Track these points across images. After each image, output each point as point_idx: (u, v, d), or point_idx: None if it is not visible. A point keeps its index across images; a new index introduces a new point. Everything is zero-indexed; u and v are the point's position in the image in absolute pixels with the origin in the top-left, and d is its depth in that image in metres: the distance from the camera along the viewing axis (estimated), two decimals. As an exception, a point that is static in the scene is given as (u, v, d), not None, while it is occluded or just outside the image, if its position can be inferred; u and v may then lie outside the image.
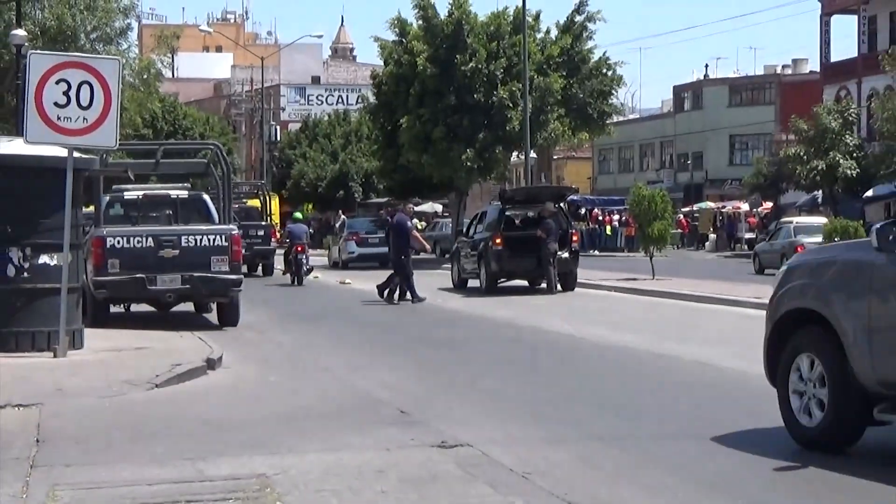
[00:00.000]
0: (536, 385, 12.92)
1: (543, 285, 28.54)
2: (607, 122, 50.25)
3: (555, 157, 77.73)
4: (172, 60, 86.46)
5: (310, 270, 34.14)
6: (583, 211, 62.30)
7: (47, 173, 14.96)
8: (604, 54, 48.87)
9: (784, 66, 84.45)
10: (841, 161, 52.60)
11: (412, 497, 7.64)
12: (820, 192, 56.55)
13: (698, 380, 13.08)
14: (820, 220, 40.55)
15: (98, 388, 12.19)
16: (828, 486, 7.97)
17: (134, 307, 22.41)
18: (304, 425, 10.30)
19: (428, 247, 30.24)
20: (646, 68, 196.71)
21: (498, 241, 28.12)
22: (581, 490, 7.78)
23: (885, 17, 61.38)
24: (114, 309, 20.72)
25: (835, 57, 65.99)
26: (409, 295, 25.76)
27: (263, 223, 38.69)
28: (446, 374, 14.15)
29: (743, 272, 36.85)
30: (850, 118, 54.87)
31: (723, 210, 67.82)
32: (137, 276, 19.06)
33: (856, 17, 63.33)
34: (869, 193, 47.20)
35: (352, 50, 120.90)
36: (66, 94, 14.54)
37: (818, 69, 68.92)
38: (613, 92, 49.08)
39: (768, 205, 64.10)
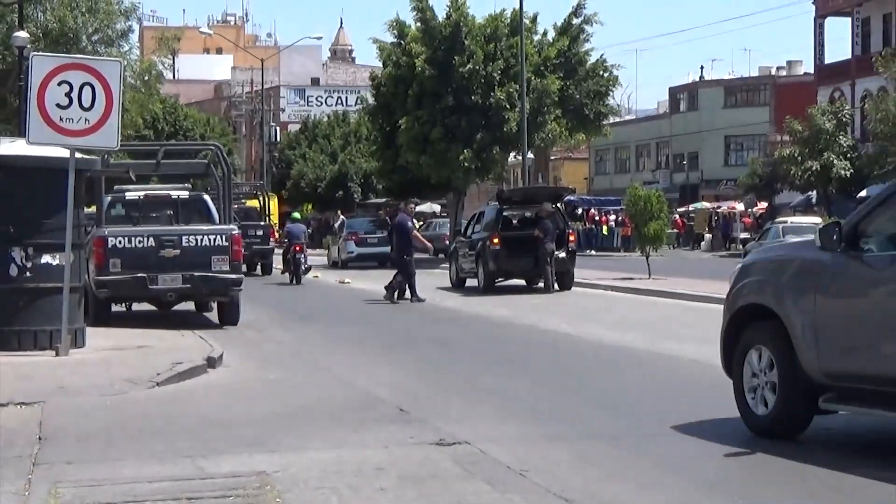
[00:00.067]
0: (534, 383, 12.96)
1: (541, 285, 28.59)
2: (604, 123, 50.19)
3: (552, 157, 77.86)
4: (173, 62, 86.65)
5: (308, 269, 34.29)
6: (579, 211, 62.24)
7: (49, 174, 15.01)
8: (601, 56, 48.98)
9: (779, 68, 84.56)
10: (835, 162, 52.72)
11: (411, 494, 7.67)
12: (814, 192, 56.67)
13: (695, 378, 13.09)
14: (813, 220, 40.65)
15: (99, 387, 12.25)
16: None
17: (135, 306, 22.47)
18: (304, 423, 10.35)
19: (430, 246, 30.20)
20: (642, 70, 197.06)
21: (495, 240, 28.18)
22: (578, 487, 7.81)
23: (879, 19, 61.52)
24: (115, 308, 20.81)
25: (829, 59, 66.14)
26: (408, 294, 25.86)
27: (262, 223, 38.83)
28: (445, 372, 14.18)
29: (738, 272, 36.83)
30: (844, 119, 55.01)
31: (718, 210, 67.88)
32: (139, 275, 19.13)
33: (849, 19, 63.51)
34: (863, 194, 47.21)
35: (351, 52, 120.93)
36: (68, 95, 14.60)
37: (812, 71, 69.06)
38: (610, 93, 49.12)
39: (763, 205, 64.25)
